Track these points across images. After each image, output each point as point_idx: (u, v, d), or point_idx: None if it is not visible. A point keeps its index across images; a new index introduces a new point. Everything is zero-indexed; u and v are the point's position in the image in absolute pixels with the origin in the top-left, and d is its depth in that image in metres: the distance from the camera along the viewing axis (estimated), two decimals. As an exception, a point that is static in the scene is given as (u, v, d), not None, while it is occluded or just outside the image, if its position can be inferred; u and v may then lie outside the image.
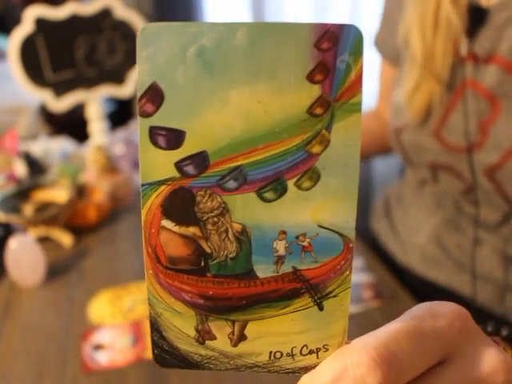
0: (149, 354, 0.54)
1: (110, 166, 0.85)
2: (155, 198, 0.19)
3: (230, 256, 0.20)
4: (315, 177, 0.19)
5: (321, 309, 0.20)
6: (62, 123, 1.66)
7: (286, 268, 0.20)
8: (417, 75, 0.57)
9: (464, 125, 0.54)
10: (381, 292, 0.61)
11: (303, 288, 0.20)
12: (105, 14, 0.94)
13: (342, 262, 0.20)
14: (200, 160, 0.19)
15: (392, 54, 0.68)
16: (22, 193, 0.78)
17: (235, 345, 0.21)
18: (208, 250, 0.20)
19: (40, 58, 0.90)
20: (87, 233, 0.79)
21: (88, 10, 0.93)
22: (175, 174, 0.19)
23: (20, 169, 0.88)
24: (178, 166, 0.19)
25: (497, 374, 0.20)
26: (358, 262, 0.68)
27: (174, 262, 0.20)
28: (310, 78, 0.18)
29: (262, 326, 0.21)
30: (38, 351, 0.56)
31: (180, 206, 0.19)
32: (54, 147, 1.00)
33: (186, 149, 0.19)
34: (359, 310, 0.59)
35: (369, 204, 1.05)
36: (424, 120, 0.58)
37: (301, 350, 0.21)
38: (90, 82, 0.96)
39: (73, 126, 1.23)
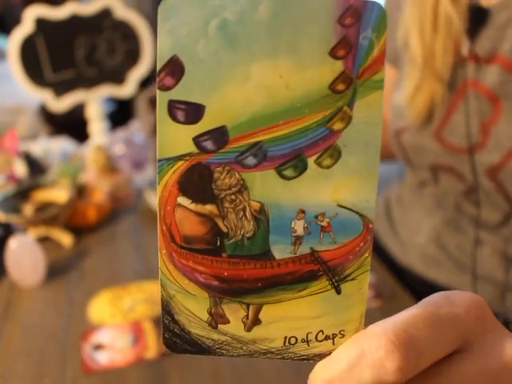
0: (149, 353, 0.54)
1: (110, 166, 0.85)
2: (172, 174, 0.19)
3: (247, 235, 0.19)
4: (336, 154, 0.19)
5: (338, 292, 0.20)
6: (62, 123, 1.66)
7: (304, 249, 0.19)
8: (417, 76, 0.57)
9: (465, 125, 0.54)
10: (381, 292, 0.61)
11: (321, 270, 0.20)
12: (105, 14, 0.94)
13: (362, 244, 0.19)
14: (219, 135, 0.18)
15: (392, 56, 0.68)
16: (22, 193, 0.78)
17: (249, 329, 0.20)
18: (224, 229, 0.19)
19: (40, 58, 0.90)
20: (87, 233, 0.78)
21: (88, 10, 0.93)
22: (193, 149, 0.18)
23: (20, 169, 0.87)
24: (197, 141, 0.18)
25: None
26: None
27: (189, 242, 0.20)
28: (333, 53, 0.18)
29: (277, 309, 0.20)
30: (37, 351, 0.55)
31: (197, 183, 0.19)
32: (54, 147, 1.00)
33: (205, 123, 0.18)
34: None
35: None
36: (425, 121, 0.58)
37: (316, 336, 0.20)
38: (90, 82, 0.96)
39: (73, 125, 1.23)
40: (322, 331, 0.20)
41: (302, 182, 0.19)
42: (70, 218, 0.77)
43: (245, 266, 0.20)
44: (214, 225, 0.19)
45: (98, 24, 0.94)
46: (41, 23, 0.89)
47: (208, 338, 0.21)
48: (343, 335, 0.20)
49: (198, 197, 0.19)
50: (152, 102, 1.03)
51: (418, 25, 0.55)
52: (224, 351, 0.21)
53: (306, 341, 0.21)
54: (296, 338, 0.20)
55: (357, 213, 0.19)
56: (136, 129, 1.04)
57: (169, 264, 0.20)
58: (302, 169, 0.19)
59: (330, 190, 0.19)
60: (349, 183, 0.19)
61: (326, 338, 0.20)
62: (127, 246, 0.75)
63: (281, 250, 0.19)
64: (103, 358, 0.53)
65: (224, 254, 0.20)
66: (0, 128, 1.34)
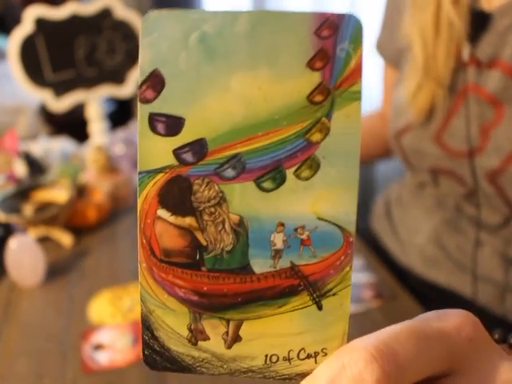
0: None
1: (110, 166, 0.85)
2: (152, 187, 0.19)
3: (226, 249, 0.19)
4: (315, 166, 0.19)
5: (319, 308, 0.20)
6: (62, 123, 1.66)
7: (284, 263, 0.19)
8: (418, 77, 0.57)
9: (466, 129, 0.54)
10: (381, 292, 0.61)
11: (301, 285, 0.19)
12: (105, 13, 0.94)
13: (342, 258, 0.19)
14: (198, 147, 0.18)
15: (393, 58, 0.68)
16: (22, 193, 0.78)
17: (229, 346, 0.20)
18: (204, 243, 0.19)
19: (40, 58, 0.90)
20: (87, 233, 0.78)
21: (88, 10, 0.93)
22: (173, 161, 0.19)
23: (20, 169, 0.87)
24: (177, 153, 0.19)
25: None
26: (358, 261, 0.68)
27: (169, 255, 0.20)
28: (311, 65, 0.18)
29: (257, 326, 0.20)
30: (37, 351, 0.56)
31: (177, 195, 0.19)
32: (54, 147, 1.00)
33: (185, 136, 0.18)
34: (359, 309, 0.59)
35: (371, 205, 1.05)
36: (425, 122, 0.58)
37: (298, 354, 0.20)
38: (90, 82, 0.96)
39: (73, 125, 1.23)
40: (303, 349, 0.20)
41: (280, 194, 0.19)
42: (70, 218, 0.77)
43: (224, 280, 0.19)
44: (193, 238, 0.19)
45: (98, 24, 0.94)
46: (41, 23, 0.89)
47: (188, 355, 0.20)
48: (325, 353, 0.20)
49: (178, 209, 0.19)
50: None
51: (420, 29, 0.55)
52: (204, 369, 0.20)
53: (288, 359, 0.20)
54: (277, 356, 0.20)
55: (337, 225, 0.19)
56: (136, 129, 1.04)
57: (149, 278, 0.20)
58: (280, 181, 0.19)
59: (310, 202, 0.19)
60: (328, 195, 0.19)
61: (308, 356, 0.20)
62: (127, 246, 0.75)
63: (260, 264, 0.19)
64: (103, 358, 0.53)
65: (203, 268, 0.20)
66: (0, 128, 1.34)
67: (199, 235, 0.19)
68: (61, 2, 0.91)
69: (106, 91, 0.99)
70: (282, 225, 0.19)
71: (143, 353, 0.20)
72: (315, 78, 0.18)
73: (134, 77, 1.00)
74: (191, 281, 0.20)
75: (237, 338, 0.20)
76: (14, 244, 0.65)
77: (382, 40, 0.70)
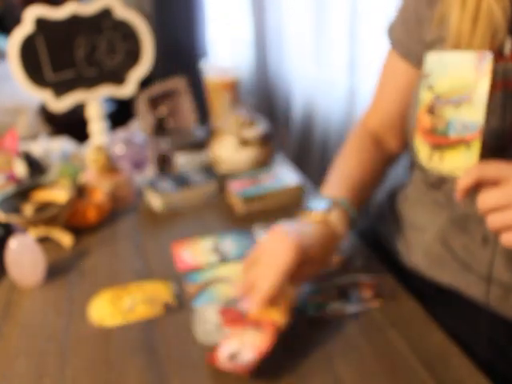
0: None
1: (110, 166, 0.85)
2: None
3: None
4: None
5: None
6: (62, 123, 1.66)
7: None
8: None
9: (500, 125, 0.53)
10: (381, 292, 0.61)
11: None
12: (105, 13, 0.94)
13: None
14: None
15: (404, 50, 0.65)
16: (22, 193, 0.78)
17: None
18: None
19: (40, 58, 0.90)
20: (87, 233, 0.78)
21: (88, 9, 0.93)
22: None
23: (20, 169, 0.87)
24: None
25: None
26: (358, 261, 0.68)
27: None
28: None
29: None
30: (37, 351, 0.56)
31: None
32: (54, 147, 1.00)
33: None
34: (359, 310, 0.59)
35: (371, 205, 1.04)
36: None
37: None
38: (90, 82, 0.96)
39: (73, 126, 1.23)
40: None
41: None
42: (70, 218, 0.77)
43: None
44: None
45: (98, 24, 0.94)
46: (41, 23, 0.89)
47: None
48: None
49: None
50: (152, 102, 1.03)
51: (458, 15, 0.53)
52: None
53: None
54: None
55: None
56: (136, 129, 1.04)
57: None
58: None
59: None
60: None
61: None
62: (127, 246, 0.75)
63: None
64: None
65: None
66: (0, 128, 1.34)
67: None
68: (61, 2, 0.91)
69: (106, 91, 0.99)
70: None
71: None
72: None
73: (134, 77, 1.00)
74: None
75: None
76: (14, 244, 0.65)
77: (399, 35, 0.67)
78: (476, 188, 0.48)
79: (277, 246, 0.55)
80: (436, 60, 0.48)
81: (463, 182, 0.47)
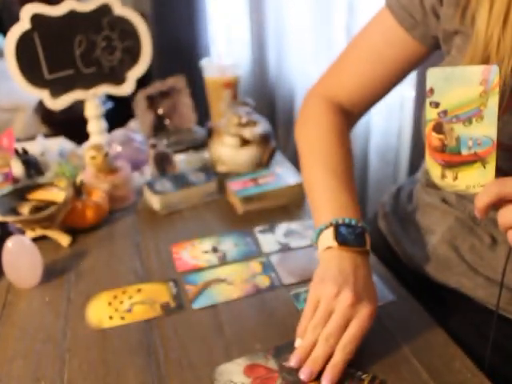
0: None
1: (109, 166, 0.84)
2: None
3: None
4: None
5: None
6: (60, 122, 1.65)
7: None
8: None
9: None
10: (381, 292, 0.61)
11: None
12: (103, 11, 0.93)
13: None
14: None
15: (409, 21, 0.60)
16: (19, 192, 0.77)
17: None
18: None
19: (37, 56, 0.90)
20: (85, 233, 0.78)
21: (86, 7, 0.92)
22: None
23: (17, 168, 0.87)
24: None
25: None
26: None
27: None
28: None
29: None
30: (34, 353, 0.55)
31: None
32: (51, 146, 0.99)
33: None
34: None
35: (365, 208, 1.04)
36: None
37: None
38: (88, 81, 0.96)
39: (71, 124, 1.22)
40: None
41: None
42: (68, 218, 0.76)
43: None
44: None
45: (97, 22, 0.93)
46: (38, 20, 0.88)
47: None
48: None
49: None
50: (151, 101, 1.03)
51: (485, 18, 0.50)
52: None
53: None
54: None
55: None
56: (135, 128, 1.04)
57: None
58: None
59: None
60: None
61: None
62: (126, 246, 0.74)
63: None
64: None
65: None
66: (-2, 127, 1.33)
67: None
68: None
69: (105, 90, 0.98)
70: None
71: None
72: None
73: (133, 75, 0.99)
74: None
75: None
76: (10, 244, 0.64)
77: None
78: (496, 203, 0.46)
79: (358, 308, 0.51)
80: (440, 76, 0.47)
81: (483, 200, 0.45)
